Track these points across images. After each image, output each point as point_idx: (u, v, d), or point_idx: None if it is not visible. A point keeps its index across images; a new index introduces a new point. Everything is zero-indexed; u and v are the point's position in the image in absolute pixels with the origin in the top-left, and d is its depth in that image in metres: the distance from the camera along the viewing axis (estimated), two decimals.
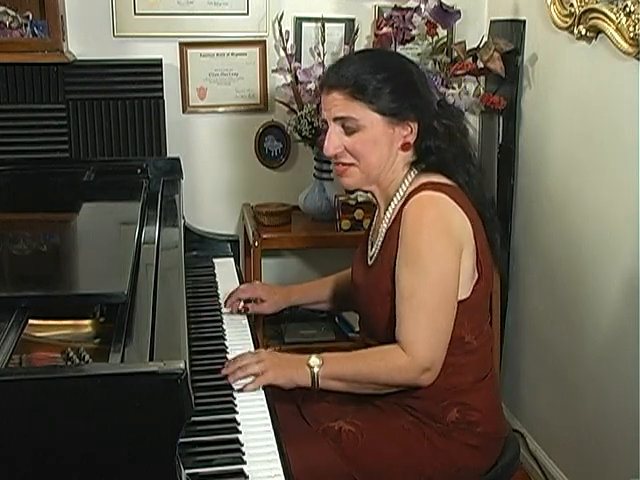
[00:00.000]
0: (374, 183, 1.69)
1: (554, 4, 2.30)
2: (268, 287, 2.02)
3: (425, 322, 1.54)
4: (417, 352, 1.54)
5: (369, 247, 1.75)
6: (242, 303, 1.93)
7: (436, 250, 1.56)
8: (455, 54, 2.66)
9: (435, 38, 2.69)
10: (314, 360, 1.57)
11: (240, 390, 1.54)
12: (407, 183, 1.66)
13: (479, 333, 1.66)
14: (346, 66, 1.63)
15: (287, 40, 2.80)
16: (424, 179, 1.64)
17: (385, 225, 1.68)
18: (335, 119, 1.63)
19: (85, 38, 2.73)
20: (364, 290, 1.71)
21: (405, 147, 1.65)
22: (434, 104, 1.67)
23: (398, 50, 2.54)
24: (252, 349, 1.76)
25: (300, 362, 1.58)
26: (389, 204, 1.68)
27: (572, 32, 2.22)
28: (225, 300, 1.95)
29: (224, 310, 1.93)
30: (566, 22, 2.25)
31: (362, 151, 1.63)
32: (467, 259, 1.59)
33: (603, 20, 2.05)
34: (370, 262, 1.71)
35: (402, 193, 1.66)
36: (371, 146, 1.62)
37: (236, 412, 1.46)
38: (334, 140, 1.63)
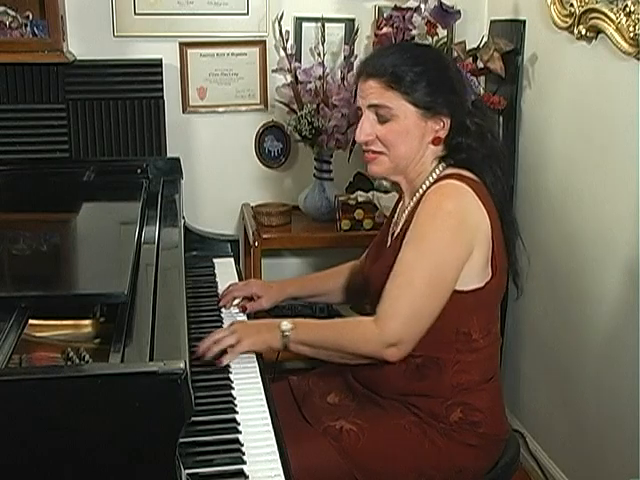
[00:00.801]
0: (401, 174, 1.69)
1: (554, 4, 2.30)
2: (262, 283, 2.02)
3: (405, 301, 1.55)
4: (386, 326, 1.54)
5: (389, 237, 1.75)
6: (237, 300, 1.93)
7: (442, 239, 1.56)
8: (455, 54, 2.66)
9: (435, 38, 2.69)
10: (285, 324, 1.60)
11: (218, 360, 1.57)
12: (434, 176, 1.67)
13: (487, 333, 1.66)
14: (385, 56, 1.64)
15: (287, 40, 2.80)
16: (452, 171, 1.64)
17: (407, 213, 1.69)
18: (369, 106, 1.64)
19: (85, 38, 2.74)
20: (376, 275, 1.70)
21: (436, 141, 1.65)
22: (468, 102, 1.68)
23: None
24: None
25: (272, 326, 1.62)
26: (414, 195, 1.69)
27: (572, 32, 2.22)
28: (219, 299, 1.95)
29: (224, 310, 1.93)
30: (566, 22, 2.25)
31: (393, 140, 1.63)
32: (480, 254, 1.59)
33: (603, 20, 2.05)
34: (388, 247, 1.72)
35: (428, 184, 1.66)
36: (402, 136, 1.63)
37: (236, 412, 1.46)
38: (366, 127, 1.64)
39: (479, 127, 1.66)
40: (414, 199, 1.68)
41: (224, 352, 1.60)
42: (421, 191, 1.67)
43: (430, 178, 1.67)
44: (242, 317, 1.88)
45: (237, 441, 1.36)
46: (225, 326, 1.84)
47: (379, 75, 1.61)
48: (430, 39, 2.70)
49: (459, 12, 2.65)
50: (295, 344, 1.61)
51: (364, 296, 1.94)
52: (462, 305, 1.60)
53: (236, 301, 1.94)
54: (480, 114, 1.70)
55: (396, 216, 1.79)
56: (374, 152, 1.66)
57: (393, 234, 1.75)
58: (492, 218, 1.61)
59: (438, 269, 1.56)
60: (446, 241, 1.56)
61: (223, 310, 1.93)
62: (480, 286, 1.61)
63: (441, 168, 1.67)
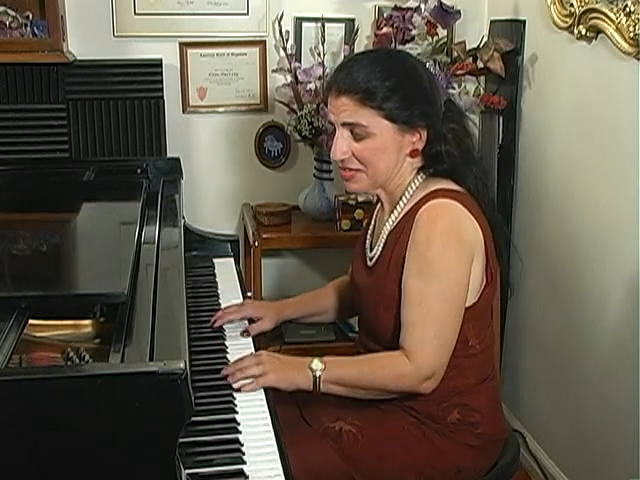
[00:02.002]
0: (380, 187, 1.68)
1: (554, 4, 2.30)
2: (258, 304, 1.96)
3: (433, 331, 1.54)
4: (422, 361, 1.53)
5: (368, 248, 1.75)
6: (241, 323, 1.87)
7: (448, 259, 1.55)
8: (455, 54, 2.66)
9: (435, 38, 2.69)
10: (316, 364, 1.56)
11: (238, 390, 1.54)
12: (414, 187, 1.65)
13: (483, 338, 1.66)
14: (356, 70, 1.59)
15: (287, 40, 2.80)
16: (435, 185, 1.63)
17: (388, 227, 1.67)
18: (344, 124, 1.60)
19: (85, 38, 2.73)
20: (366, 292, 1.70)
21: (413, 154, 1.63)
22: (442, 108, 1.64)
23: None
24: (252, 349, 1.76)
25: (302, 365, 1.57)
26: (394, 207, 1.68)
27: (572, 32, 2.22)
28: (215, 319, 1.85)
29: (225, 328, 1.88)
30: (566, 22, 2.25)
31: (370, 158, 1.61)
32: (477, 266, 1.59)
33: (603, 20, 2.05)
34: (371, 263, 1.71)
35: (408, 196, 1.65)
36: (380, 153, 1.60)
37: (236, 412, 1.46)
38: (341, 146, 1.61)
39: (454, 132, 1.64)
40: (395, 212, 1.67)
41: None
42: (402, 204, 1.66)
43: (409, 189, 1.65)
44: (248, 340, 1.82)
45: (237, 441, 1.36)
46: (227, 324, 1.84)
47: (352, 92, 1.57)
48: (430, 39, 2.70)
49: (459, 12, 2.65)
50: (327, 384, 1.56)
51: (344, 309, 1.94)
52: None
53: (239, 323, 1.86)
54: (453, 116, 1.67)
55: (373, 224, 1.77)
56: (351, 169, 1.64)
57: (372, 244, 1.73)
58: (483, 226, 1.60)
59: (451, 291, 1.55)
60: (452, 261, 1.55)
61: (225, 328, 1.86)
62: (476, 300, 1.62)
63: (420, 179, 1.66)
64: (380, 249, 1.68)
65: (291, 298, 1.97)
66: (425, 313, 1.54)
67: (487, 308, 1.68)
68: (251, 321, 1.87)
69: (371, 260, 1.71)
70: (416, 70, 1.63)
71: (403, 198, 1.66)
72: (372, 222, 1.79)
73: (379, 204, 1.77)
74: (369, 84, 1.56)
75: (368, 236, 1.77)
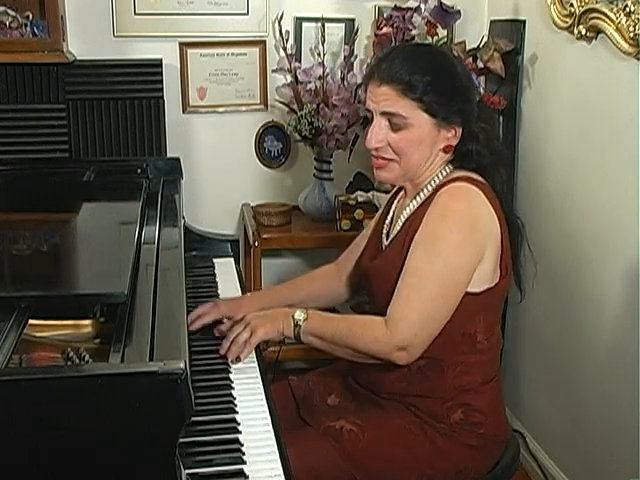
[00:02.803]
0: (409, 180, 1.69)
1: (554, 4, 2.30)
2: (231, 302, 1.88)
3: (416, 304, 1.54)
4: (397, 329, 1.53)
5: (384, 236, 1.74)
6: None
7: (455, 240, 1.55)
8: (455, 54, 2.66)
9: (435, 38, 2.69)
10: (299, 314, 1.60)
11: (238, 359, 1.59)
12: (440, 177, 1.66)
13: (491, 334, 1.66)
14: (399, 61, 1.60)
15: (287, 40, 2.80)
16: (461, 173, 1.64)
17: (408, 211, 1.68)
18: (382, 113, 1.61)
19: (85, 38, 2.74)
20: (379, 274, 1.69)
21: (447, 149, 1.64)
22: (476, 108, 1.66)
23: None
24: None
25: (286, 314, 1.62)
26: (417, 194, 1.68)
27: (572, 32, 2.22)
28: (189, 322, 1.75)
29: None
30: (566, 22, 2.25)
31: (406, 149, 1.62)
32: (490, 256, 1.59)
33: (603, 20, 2.05)
34: (386, 244, 1.71)
35: (433, 185, 1.66)
36: (415, 145, 1.61)
37: (236, 412, 1.46)
38: (378, 134, 1.62)
39: (485, 132, 1.66)
40: (417, 199, 1.68)
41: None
42: (425, 191, 1.67)
43: (435, 179, 1.66)
44: None
45: (237, 441, 1.36)
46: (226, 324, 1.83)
47: (394, 82, 1.58)
48: (430, 39, 2.70)
49: (459, 12, 2.65)
50: (306, 335, 1.60)
51: (353, 295, 1.93)
52: (472, 307, 1.59)
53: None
54: (485, 117, 1.69)
55: (391, 214, 1.78)
56: (384, 159, 1.65)
57: (389, 232, 1.74)
58: (501, 221, 1.61)
59: (450, 272, 1.55)
60: (458, 243, 1.55)
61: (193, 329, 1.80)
62: (491, 286, 1.61)
63: (447, 170, 1.67)
64: (397, 231, 1.69)
65: (267, 289, 1.98)
66: (415, 285, 1.54)
67: (497, 304, 1.69)
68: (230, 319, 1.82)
69: (388, 243, 1.71)
70: (456, 68, 1.65)
71: (428, 187, 1.67)
72: (391, 212, 1.78)
73: (400, 194, 1.77)
74: (412, 76, 1.58)
75: (386, 225, 1.77)
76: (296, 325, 1.60)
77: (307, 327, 1.59)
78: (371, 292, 1.76)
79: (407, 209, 1.69)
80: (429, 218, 1.58)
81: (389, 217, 1.78)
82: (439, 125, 1.61)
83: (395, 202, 1.79)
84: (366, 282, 1.77)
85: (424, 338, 1.55)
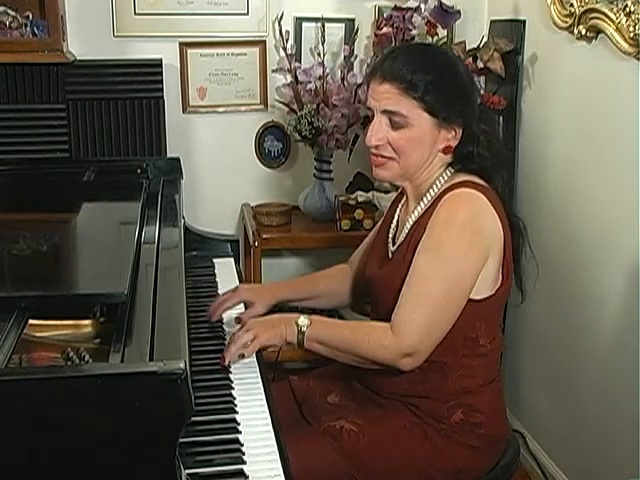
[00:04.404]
0: (408, 180, 1.69)
1: (554, 4, 2.30)
2: (253, 287, 1.96)
3: (422, 311, 1.54)
4: (403, 336, 1.53)
5: (390, 242, 1.74)
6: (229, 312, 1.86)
7: (460, 247, 1.55)
8: (455, 54, 2.66)
9: (435, 38, 2.69)
10: (302, 319, 1.58)
11: (242, 356, 1.57)
12: (442, 181, 1.66)
13: (493, 338, 1.66)
14: (402, 60, 1.60)
15: (287, 40, 2.80)
16: (463, 177, 1.64)
17: (413, 218, 1.68)
18: (383, 111, 1.61)
19: (85, 38, 2.74)
20: (384, 281, 1.69)
21: (446, 150, 1.64)
22: (477, 109, 1.66)
23: None
24: None
25: (289, 320, 1.59)
26: (420, 199, 1.68)
27: (572, 32, 2.21)
28: (212, 312, 1.83)
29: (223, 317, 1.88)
30: (566, 22, 2.25)
31: (405, 148, 1.62)
32: (493, 262, 1.59)
33: (603, 20, 2.05)
34: (393, 250, 1.71)
35: (436, 190, 1.66)
36: (415, 144, 1.61)
37: (236, 412, 1.46)
38: (378, 132, 1.62)
39: (486, 134, 1.65)
40: (421, 205, 1.67)
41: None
42: (429, 196, 1.66)
43: (437, 183, 1.66)
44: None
45: (237, 441, 1.36)
46: (227, 324, 1.83)
47: (396, 80, 1.58)
48: (430, 39, 2.70)
49: (459, 12, 2.65)
50: (310, 341, 1.58)
51: (357, 300, 1.94)
52: (472, 313, 1.59)
53: (229, 312, 1.85)
54: (486, 119, 1.69)
55: (396, 219, 1.77)
56: (383, 157, 1.65)
57: (394, 238, 1.73)
58: (504, 225, 1.61)
59: (454, 279, 1.55)
60: (462, 250, 1.55)
61: (225, 328, 1.85)
62: (492, 294, 1.61)
63: (449, 173, 1.66)
64: (402, 240, 1.68)
65: (287, 280, 1.97)
66: (420, 292, 1.54)
67: (500, 307, 1.69)
68: (247, 305, 1.86)
69: (394, 253, 1.71)
70: (458, 68, 1.65)
71: (430, 191, 1.66)
72: (396, 217, 1.78)
73: (404, 198, 1.77)
74: (414, 75, 1.58)
75: (391, 230, 1.76)
76: (300, 331, 1.57)
77: (311, 333, 1.57)
78: (375, 299, 1.76)
79: (412, 216, 1.69)
80: (433, 225, 1.58)
81: (394, 223, 1.77)
82: (440, 125, 1.61)
83: (399, 207, 1.79)
84: (371, 289, 1.77)
85: (429, 344, 1.56)
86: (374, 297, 1.76)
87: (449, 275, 1.54)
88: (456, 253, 1.55)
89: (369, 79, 1.65)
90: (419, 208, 1.67)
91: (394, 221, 1.77)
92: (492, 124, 1.72)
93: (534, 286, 1.79)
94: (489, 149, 1.65)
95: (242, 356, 1.57)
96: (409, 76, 1.57)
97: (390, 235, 1.76)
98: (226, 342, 1.75)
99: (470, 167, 1.65)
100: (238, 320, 1.80)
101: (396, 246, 1.70)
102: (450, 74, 1.62)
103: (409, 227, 1.68)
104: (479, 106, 1.69)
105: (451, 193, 1.59)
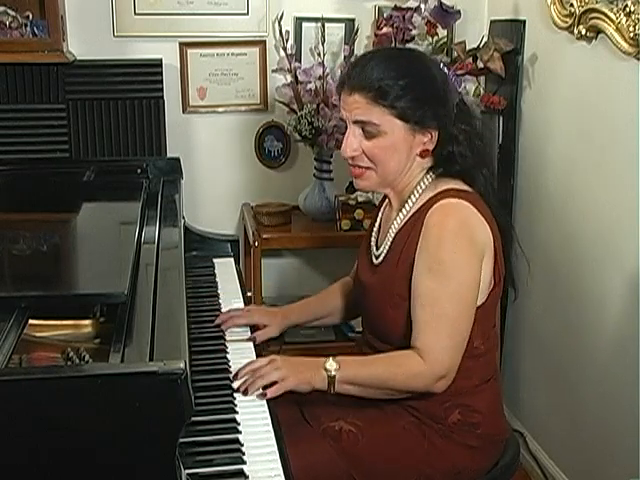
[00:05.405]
0: (389, 187, 1.68)
1: (554, 4, 2.30)
2: (264, 311, 1.94)
3: (446, 331, 1.54)
4: (435, 360, 1.53)
5: (373, 246, 1.74)
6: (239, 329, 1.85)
7: (459, 258, 1.55)
8: (455, 54, 2.66)
9: (435, 38, 2.69)
10: (331, 363, 1.55)
11: (263, 395, 1.52)
12: (423, 186, 1.65)
13: (487, 338, 1.66)
14: (370, 67, 1.59)
15: (287, 40, 2.80)
16: (445, 185, 1.62)
17: (396, 225, 1.67)
18: (355, 122, 1.60)
19: (85, 38, 2.74)
20: (372, 291, 1.69)
21: (424, 154, 1.63)
22: (454, 109, 1.64)
23: None
24: (252, 348, 1.76)
25: (316, 365, 1.56)
26: (403, 206, 1.67)
27: (572, 32, 2.22)
28: (220, 321, 1.84)
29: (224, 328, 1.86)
30: (566, 22, 2.25)
31: (381, 156, 1.61)
32: (486, 267, 1.59)
33: (603, 20, 2.05)
34: (377, 261, 1.70)
35: (417, 195, 1.65)
36: (390, 152, 1.60)
37: (236, 412, 1.46)
38: (352, 143, 1.61)
39: (466, 133, 1.64)
40: (403, 211, 1.67)
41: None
42: (410, 202, 1.66)
43: (419, 188, 1.65)
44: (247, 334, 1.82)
45: (237, 441, 1.36)
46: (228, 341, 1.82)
47: (365, 89, 1.57)
48: (430, 39, 2.70)
49: (459, 12, 2.65)
50: (341, 384, 1.56)
51: (356, 316, 1.93)
52: None
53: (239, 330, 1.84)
54: (465, 117, 1.66)
55: (378, 222, 1.77)
56: (361, 167, 1.64)
57: (377, 243, 1.73)
58: (492, 227, 1.61)
59: (463, 291, 1.55)
60: (463, 262, 1.55)
61: (223, 310, 1.91)
62: (486, 299, 1.62)
63: (429, 178, 1.66)
64: (387, 248, 1.68)
65: (295, 303, 1.97)
66: (438, 313, 1.54)
67: (493, 309, 1.69)
68: (254, 326, 1.86)
69: (377, 258, 1.70)
70: (430, 70, 1.63)
71: (412, 197, 1.66)
72: (378, 221, 1.78)
73: (385, 203, 1.77)
74: (382, 82, 1.56)
75: (373, 234, 1.76)
76: (329, 376, 1.54)
77: (342, 376, 1.55)
78: (364, 307, 1.76)
79: (395, 223, 1.68)
80: (427, 244, 1.57)
81: (376, 226, 1.77)
82: (413, 130, 1.59)
83: (381, 211, 1.79)
84: (360, 297, 1.77)
85: (457, 360, 1.57)
86: (364, 305, 1.76)
87: (458, 289, 1.55)
88: (458, 266, 1.55)
89: (339, 90, 1.64)
90: (401, 215, 1.67)
91: (376, 225, 1.77)
92: (472, 122, 1.69)
93: (527, 283, 1.79)
94: (470, 148, 1.64)
95: (263, 395, 1.52)
96: (377, 84, 1.56)
97: (372, 240, 1.75)
98: (229, 345, 1.75)
99: (452, 169, 1.64)
100: (252, 339, 1.80)
101: (380, 252, 1.70)
102: (420, 77, 1.60)
103: (393, 234, 1.67)
104: (458, 105, 1.66)
105: (436, 206, 1.58)
